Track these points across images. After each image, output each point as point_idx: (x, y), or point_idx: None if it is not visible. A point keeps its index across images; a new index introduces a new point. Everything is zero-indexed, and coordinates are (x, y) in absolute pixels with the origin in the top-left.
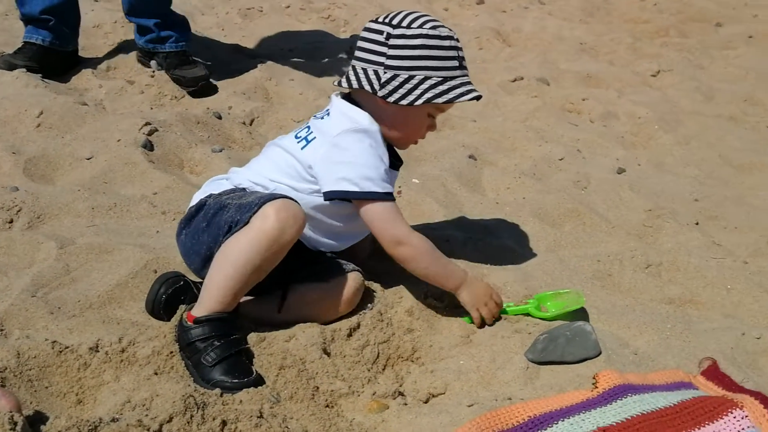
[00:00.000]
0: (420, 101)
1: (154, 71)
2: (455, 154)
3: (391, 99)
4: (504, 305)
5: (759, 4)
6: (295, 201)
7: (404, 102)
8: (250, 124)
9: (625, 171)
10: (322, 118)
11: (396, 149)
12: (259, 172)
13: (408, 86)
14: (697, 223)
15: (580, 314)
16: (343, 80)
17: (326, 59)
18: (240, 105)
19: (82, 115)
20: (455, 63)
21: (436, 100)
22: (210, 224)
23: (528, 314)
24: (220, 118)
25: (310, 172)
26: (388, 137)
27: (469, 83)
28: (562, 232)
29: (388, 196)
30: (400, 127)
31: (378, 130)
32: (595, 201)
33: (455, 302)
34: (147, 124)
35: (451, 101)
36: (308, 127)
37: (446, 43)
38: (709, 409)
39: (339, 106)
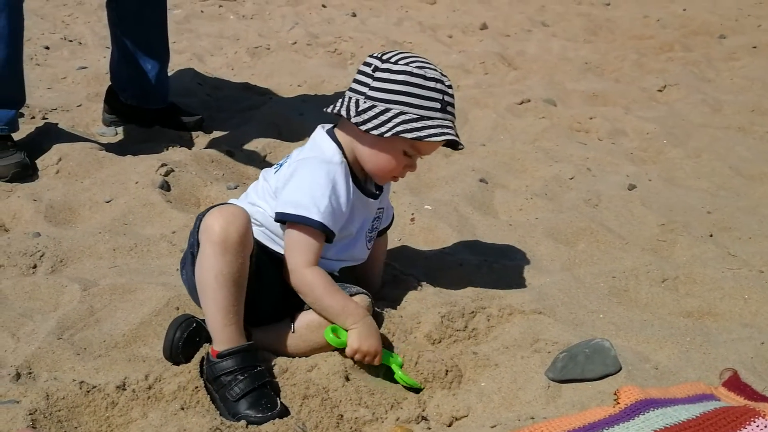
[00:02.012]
0: (389, 133)
1: None
2: (466, 178)
3: (363, 127)
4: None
5: (762, 14)
6: (234, 204)
7: (375, 132)
8: (263, 160)
9: (636, 187)
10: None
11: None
12: (245, 199)
13: (382, 118)
14: (711, 235)
15: (598, 331)
16: (332, 105)
17: (335, 92)
18: (252, 142)
19: (99, 160)
20: (437, 105)
21: (405, 135)
22: (187, 256)
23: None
24: (233, 155)
25: (277, 193)
26: (365, 168)
27: (449, 127)
28: (576, 250)
29: (312, 223)
30: (373, 159)
31: (341, 163)
32: (607, 218)
33: (474, 326)
34: (163, 165)
35: (419, 139)
36: (288, 156)
37: (430, 84)
38: (731, 419)
39: (315, 135)
